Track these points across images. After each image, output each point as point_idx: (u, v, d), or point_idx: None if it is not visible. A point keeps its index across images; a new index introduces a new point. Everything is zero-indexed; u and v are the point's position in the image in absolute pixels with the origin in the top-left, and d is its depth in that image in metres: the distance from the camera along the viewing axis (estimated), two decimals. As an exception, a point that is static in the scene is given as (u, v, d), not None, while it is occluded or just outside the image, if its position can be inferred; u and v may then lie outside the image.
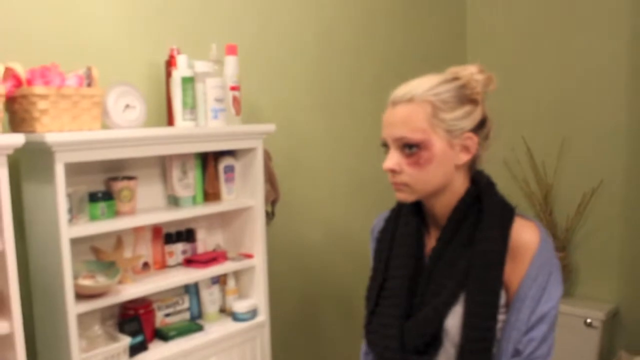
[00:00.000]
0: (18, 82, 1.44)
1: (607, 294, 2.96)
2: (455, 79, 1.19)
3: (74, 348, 1.48)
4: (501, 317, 1.14)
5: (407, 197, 1.18)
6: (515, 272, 1.15)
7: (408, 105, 1.16)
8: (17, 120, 1.49)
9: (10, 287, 1.37)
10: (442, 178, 1.16)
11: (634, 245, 2.63)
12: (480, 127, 1.19)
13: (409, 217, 1.26)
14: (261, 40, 2.18)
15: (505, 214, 1.19)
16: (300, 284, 2.41)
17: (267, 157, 2.17)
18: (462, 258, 1.16)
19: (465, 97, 1.17)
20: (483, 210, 1.18)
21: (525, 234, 1.16)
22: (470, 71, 1.19)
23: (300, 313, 2.42)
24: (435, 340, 1.15)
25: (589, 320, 2.85)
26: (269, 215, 2.23)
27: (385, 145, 1.19)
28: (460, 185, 1.19)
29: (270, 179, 2.18)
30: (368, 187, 2.62)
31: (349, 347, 2.48)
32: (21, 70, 1.45)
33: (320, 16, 2.40)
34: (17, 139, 1.33)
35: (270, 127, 1.90)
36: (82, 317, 1.53)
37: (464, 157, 1.17)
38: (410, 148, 1.15)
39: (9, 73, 1.44)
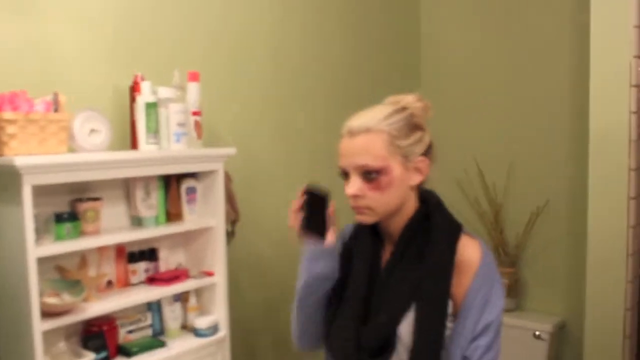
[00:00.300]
0: (-13, 108, 1.51)
1: (554, 308, 3.08)
2: (404, 108, 1.29)
3: (39, 364, 1.54)
4: (449, 324, 1.25)
5: (369, 219, 1.28)
6: (460, 285, 1.25)
7: (367, 135, 1.25)
8: (-15, 144, 1.55)
9: (-22, 305, 1.43)
10: (399, 199, 1.27)
11: (578, 261, 2.78)
12: (429, 150, 1.30)
13: (366, 234, 1.36)
14: (221, 67, 2.27)
15: (452, 230, 1.30)
16: (260, 296, 2.49)
17: (228, 178, 2.25)
18: (413, 271, 1.26)
19: (414, 124, 1.28)
20: (432, 228, 1.29)
21: (469, 250, 1.28)
22: (408, 100, 1.30)
23: (263, 324, 2.50)
24: (388, 344, 1.25)
25: (537, 333, 2.96)
26: (229, 234, 2.30)
27: (345, 174, 1.28)
28: (411, 204, 1.31)
29: (230, 200, 2.25)
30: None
31: (309, 354, 2.56)
32: (-10, 97, 1.52)
33: (273, 43, 2.51)
34: (-13, 163, 1.40)
35: (231, 151, 1.98)
36: (47, 334, 1.58)
37: (417, 179, 1.28)
38: (371, 174, 1.24)
39: (-21, 99, 1.50)
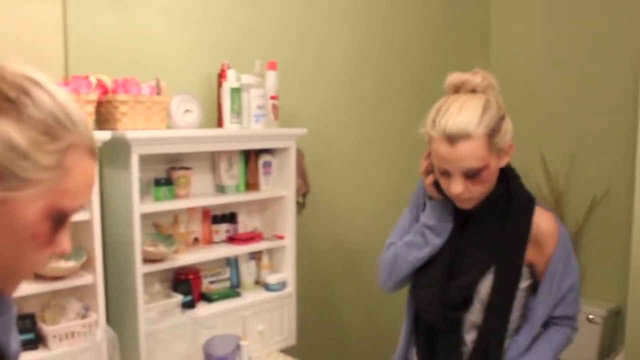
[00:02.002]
0: (105, 91, 1.86)
1: (610, 294, 3.19)
2: (491, 101, 1.39)
3: (140, 300, 1.88)
4: (524, 284, 1.50)
5: (470, 205, 1.46)
6: (541, 253, 1.47)
7: (468, 142, 1.33)
8: (103, 120, 1.90)
9: (95, 249, 1.78)
10: (493, 182, 1.43)
11: (635, 248, 2.86)
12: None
13: (456, 213, 1.52)
14: (298, 56, 2.56)
15: (529, 203, 1.50)
16: (325, 259, 2.78)
17: (300, 155, 2.55)
18: (493, 238, 1.47)
19: (501, 116, 1.40)
20: (512, 200, 1.48)
21: (545, 222, 1.48)
22: (476, 82, 1.41)
23: (326, 283, 2.79)
24: (468, 300, 1.50)
25: (591, 317, 3.10)
26: (300, 205, 2.60)
27: (446, 173, 1.40)
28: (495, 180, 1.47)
29: (302, 175, 2.55)
30: (387, 186, 2.96)
31: (360, 317, 2.84)
32: (108, 82, 1.86)
33: (350, 31, 2.76)
34: (105, 135, 1.75)
35: (302, 131, 2.27)
36: (146, 277, 1.91)
37: (505, 161, 1.44)
38: (475, 173, 1.37)
39: (99, 83, 1.85)
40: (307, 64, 2.61)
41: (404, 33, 3.03)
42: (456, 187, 1.39)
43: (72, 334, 1.76)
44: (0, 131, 0.67)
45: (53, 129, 0.71)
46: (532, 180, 3.35)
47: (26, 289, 1.69)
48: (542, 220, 1.48)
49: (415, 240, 1.56)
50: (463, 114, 1.35)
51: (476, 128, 1.34)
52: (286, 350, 2.30)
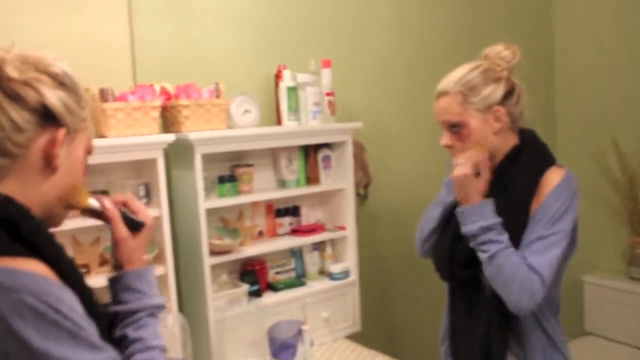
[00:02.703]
0: (169, 97, 2.01)
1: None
2: (479, 65, 1.54)
3: (209, 289, 2.01)
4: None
5: None
6: (537, 202, 1.50)
7: (445, 98, 1.55)
8: (167, 124, 2.05)
9: (165, 243, 1.93)
10: (488, 143, 1.53)
11: None
12: (508, 97, 1.54)
13: None
14: (352, 52, 2.63)
15: (540, 165, 1.54)
16: (386, 251, 2.84)
17: (361, 148, 2.62)
18: (498, 199, 1.52)
19: (489, 78, 1.53)
20: (519, 161, 1.55)
21: (551, 176, 1.52)
22: (496, 50, 1.57)
23: (385, 275, 2.85)
24: (476, 259, 1.53)
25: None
26: (363, 197, 2.68)
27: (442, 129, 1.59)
28: (506, 144, 1.56)
29: (362, 167, 2.62)
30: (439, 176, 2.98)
31: (421, 304, 2.89)
32: (171, 88, 2.01)
33: (402, 24, 2.82)
34: (170, 137, 1.90)
35: (357, 125, 2.34)
36: (213, 268, 2.05)
37: (497, 125, 1.53)
38: (454, 127, 1.54)
39: (163, 90, 2.00)
40: (361, 60, 2.68)
41: (459, 25, 3.04)
42: (443, 139, 1.58)
43: (148, 321, 1.92)
44: (60, 97, 0.91)
45: (79, 90, 0.97)
46: (604, 162, 3.28)
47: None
48: (550, 176, 1.52)
49: (433, 202, 1.74)
50: (449, 76, 1.57)
51: (453, 86, 1.53)
52: (351, 337, 2.39)
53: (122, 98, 1.86)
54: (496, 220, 1.48)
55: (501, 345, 1.54)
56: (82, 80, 0.99)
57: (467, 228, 1.50)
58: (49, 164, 0.91)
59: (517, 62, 1.56)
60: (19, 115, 0.87)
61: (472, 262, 1.55)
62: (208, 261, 2.02)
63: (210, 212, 2.07)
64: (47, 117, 0.90)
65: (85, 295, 0.91)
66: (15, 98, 0.87)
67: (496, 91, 1.52)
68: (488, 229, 1.47)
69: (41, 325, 0.78)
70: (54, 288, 0.82)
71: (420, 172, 2.91)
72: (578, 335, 3.33)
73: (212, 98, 2.03)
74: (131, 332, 1.02)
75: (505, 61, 1.55)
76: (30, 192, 0.91)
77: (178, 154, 2.04)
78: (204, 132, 1.98)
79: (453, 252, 1.60)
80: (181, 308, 2.06)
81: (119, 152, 1.84)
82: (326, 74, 2.32)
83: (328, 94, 2.32)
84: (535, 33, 3.42)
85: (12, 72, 0.87)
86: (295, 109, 2.24)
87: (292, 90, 2.23)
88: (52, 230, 0.95)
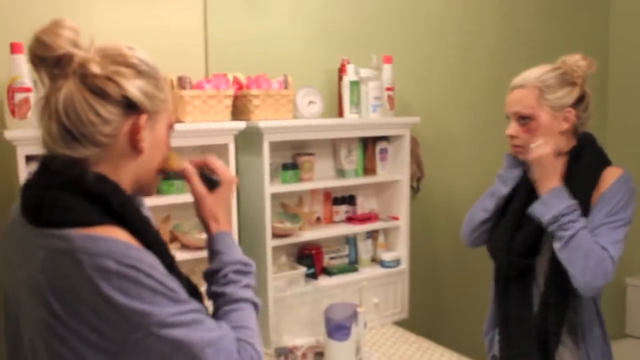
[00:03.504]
0: (240, 86, 2.13)
1: None
2: (558, 68, 1.67)
3: (269, 270, 2.14)
4: None
5: (522, 156, 1.70)
6: (597, 195, 1.61)
7: (522, 90, 1.67)
8: (238, 112, 2.17)
9: (233, 223, 2.07)
10: (555, 141, 1.64)
11: None
12: (579, 102, 1.66)
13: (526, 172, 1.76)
14: (412, 49, 2.73)
15: (597, 166, 1.66)
16: (435, 243, 2.94)
17: (415, 143, 2.71)
18: None
19: (566, 81, 1.66)
20: (580, 161, 1.66)
21: (610, 173, 1.63)
22: (574, 58, 1.67)
23: (434, 265, 2.96)
24: (534, 248, 1.68)
25: None
26: (415, 189, 2.77)
27: (508, 118, 1.71)
28: (565, 145, 1.68)
29: (416, 161, 2.71)
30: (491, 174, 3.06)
31: (467, 295, 2.97)
32: (242, 78, 2.14)
33: (462, 26, 2.90)
34: (241, 125, 2.02)
35: (415, 119, 2.43)
36: (274, 250, 2.16)
37: (565, 125, 1.65)
38: (524, 119, 1.66)
39: (235, 80, 2.13)
40: (421, 57, 2.77)
41: (517, 22, 3.10)
42: (509, 128, 1.70)
43: (213, 295, 2.05)
44: (138, 85, 0.99)
45: (155, 74, 1.04)
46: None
47: (176, 256, 1.99)
48: (608, 174, 1.62)
49: (488, 191, 1.84)
50: (528, 71, 1.68)
51: (531, 81, 1.65)
52: (399, 323, 2.49)
53: (199, 86, 1.99)
54: (576, 202, 1.59)
55: (557, 332, 1.64)
56: (163, 70, 1.08)
57: (554, 208, 1.58)
58: (134, 147, 1.01)
59: (591, 73, 1.67)
60: (105, 110, 0.96)
61: (530, 252, 1.67)
62: (270, 243, 2.14)
63: (272, 197, 2.17)
64: (130, 106, 0.98)
65: (168, 260, 1.01)
66: (100, 94, 0.95)
67: (571, 94, 1.64)
68: (573, 209, 1.57)
69: (123, 284, 0.88)
70: (134, 251, 0.92)
71: (474, 170, 2.99)
72: (618, 337, 3.36)
73: (280, 89, 2.14)
74: (216, 288, 1.12)
75: (582, 70, 1.66)
76: (121, 172, 1.02)
77: (247, 141, 2.16)
78: (273, 121, 2.09)
79: (511, 242, 1.69)
80: (244, 285, 2.19)
81: (194, 136, 1.97)
82: (387, 69, 2.41)
83: (388, 89, 2.42)
84: (590, 39, 3.44)
85: (95, 68, 0.95)
86: (356, 102, 2.34)
87: (355, 84, 2.33)
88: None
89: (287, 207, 2.34)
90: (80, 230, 0.91)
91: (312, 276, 2.32)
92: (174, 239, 2.09)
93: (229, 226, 1.20)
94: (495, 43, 3.02)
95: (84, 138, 0.95)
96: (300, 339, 2.14)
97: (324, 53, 2.46)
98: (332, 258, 2.47)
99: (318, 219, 2.45)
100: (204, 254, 2.01)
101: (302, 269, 2.27)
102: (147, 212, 1.18)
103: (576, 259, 1.54)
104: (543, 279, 1.69)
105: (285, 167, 2.26)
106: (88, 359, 0.90)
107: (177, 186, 2.01)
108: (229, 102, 2.04)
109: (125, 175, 1.03)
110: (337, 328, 2.01)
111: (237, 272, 1.12)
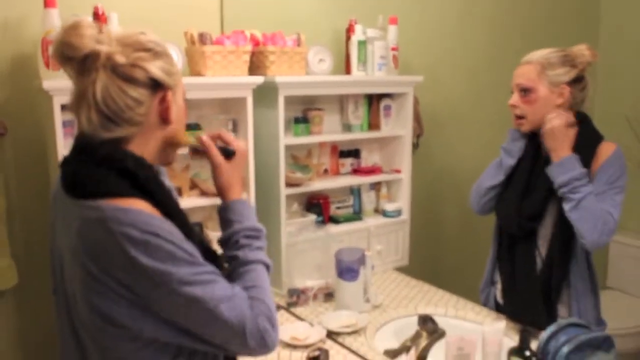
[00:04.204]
0: (257, 43, 2.24)
1: None
2: (563, 50, 1.86)
3: (283, 216, 2.28)
4: None
5: (524, 127, 1.90)
6: (595, 167, 1.81)
7: (527, 65, 1.87)
8: (254, 67, 2.28)
9: (249, 173, 2.20)
10: (545, 114, 1.84)
11: None
12: (576, 82, 1.84)
13: (530, 140, 1.94)
14: (417, 10, 2.86)
15: (593, 140, 1.85)
16: (433, 194, 3.12)
17: (416, 101, 2.84)
18: None
19: (567, 62, 1.85)
20: (578, 135, 1.84)
21: (606, 148, 1.83)
22: (581, 47, 1.86)
23: (432, 215, 3.14)
24: (540, 213, 1.88)
25: None
26: (415, 145, 2.92)
27: (512, 92, 1.90)
28: None
29: (417, 118, 2.85)
30: (491, 135, 3.19)
31: (463, 243, 3.16)
32: (259, 35, 2.25)
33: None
34: (259, 79, 2.15)
35: (418, 78, 2.57)
36: (287, 198, 2.30)
37: (559, 100, 1.84)
38: (524, 91, 1.85)
39: (252, 37, 2.24)
40: (425, 19, 2.91)
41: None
42: (511, 99, 1.89)
43: (232, 239, 2.20)
44: (159, 66, 1.10)
45: (167, 53, 1.14)
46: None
47: (194, 201, 2.14)
48: (603, 148, 1.82)
49: (494, 162, 2.02)
50: (537, 51, 1.87)
51: (536, 59, 1.85)
52: (399, 269, 2.66)
53: (219, 42, 2.11)
54: (586, 170, 1.78)
55: (558, 286, 1.88)
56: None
57: (568, 172, 1.77)
58: (165, 120, 1.14)
59: (592, 62, 1.85)
60: (137, 92, 1.07)
61: (536, 216, 1.87)
62: (283, 191, 2.28)
63: (285, 148, 2.31)
64: (155, 85, 1.10)
65: (186, 228, 1.14)
66: (130, 79, 1.07)
67: (568, 74, 1.83)
68: (583, 175, 1.77)
69: (146, 248, 1.01)
70: (156, 220, 1.05)
71: (470, 131, 3.16)
72: (601, 289, 3.57)
73: (294, 46, 2.26)
74: (229, 253, 1.22)
75: (585, 57, 1.84)
76: (149, 145, 1.15)
77: (262, 95, 2.28)
78: (288, 77, 2.22)
79: (519, 206, 1.89)
80: (259, 230, 2.34)
81: (215, 89, 2.10)
82: (392, 30, 2.54)
83: (393, 49, 2.55)
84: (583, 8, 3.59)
85: (120, 59, 1.05)
86: (363, 61, 2.47)
87: (362, 44, 2.45)
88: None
89: (297, 158, 2.48)
90: (110, 201, 1.04)
91: (321, 223, 2.48)
92: (193, 186, 2.22)
93: (242, 194, 1.30)
94: (493, 11, 3.17)
95: (124, 121, 1.08)
96: (311, 281, 2.31)
97: (333, 13, 2.58)
98: (338, 207, 2.63)
99: (325, 170, 2.60)
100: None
101: (313, 216, 2.43)
102: (168, 183, 1.31)
103: (586, 219, 1.74)
104: (544, 241, 1.90)
105: (297, 120, 2.39)
106: (122, 310, 1.05)
107: (195, 136, 2.14)
108: (247, 57, 2.16)
109: (152, 146, 1.15)
110: (347, 270, 2.18)
111: (247, 236, 1.21)
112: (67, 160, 1.14)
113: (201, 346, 1.11)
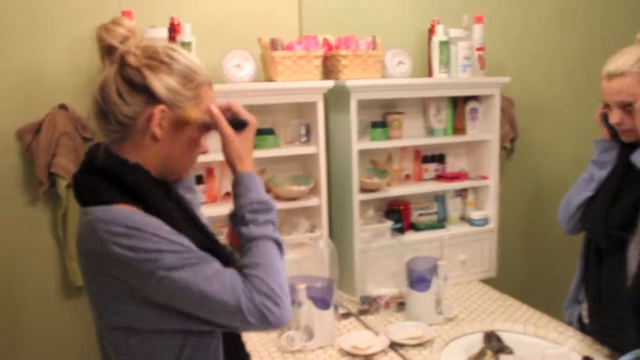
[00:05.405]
0: (329, 47, 2.23)
1: None
2: None
3: (356, 222, 2.25)
4: None
5: (631, 139, 1.72)
6: None
7: (623, 78, 1.65)
8: (327, 72, 2.27)
9: (321, 177, 2.19)
10: None
11: None
12: None
13: (619, 147, 1.79)
14: (504, 9, 2.71)
15: None
16: (526, 204, 2.94)
17: (510, 103, 2.70)
18: None
19: None
20: None
21: None
22: None
23: (526, 224, 2.95)
24: (631, 222, 1.69)
25: None
26: (509, 150, 2.77)
27: (608, 106, 1.73)
28: None
29: (510, 121, 2.70)
30: (593, 135, 2.96)
31: (554, 258, 2.94)
32: (332, 39, 2.24)
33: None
34: (329, 84, 2.13)
35: (505, 79, 2.43)
36: (362, 204, 2.27)
37: None
38: (628, 106, 1.66)
39: (325, 41, 2.23)
40: (513, 17, 2.75)
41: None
42: (613, 117, 1.70)
43: (301, 244, 2.21)
44: (165, 81, 1.12)
45: (189, 75, 1.15)
46: None
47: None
48: None
49: (583, 178, 1.85)
50: (622, 57, 1.66)
51: (630, 68, 1.63)
52: (485, 281, 2.53)
53: (289, 47, 2.12)
54: None
55: None
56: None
57: None
58: (151, 134, 1.14)
59: None
60: (129, 95, 1.11)
61: (626, 225, 1.70)
62: (357, 197, 2.25)
63: (362, 153, 2.28)
64: (152, 97, 1.12)
65: (178, 227, 1.13)
66: (128, 81, 1.11)
67: None
68: None
69: (130, 242, 1.04)
70: (138, 216, 1.07)
71: (567, 134, 2.93)
72: None
73: (368, 49, 2.22)
74: (236, 230, 1.20)
75: None
76: (144, 154, 1.16)
77: (336, 99, 2.27)
78: (360, 80, 2.19)
79: (607, 216, 1.73)
80: (331, 235, 2.32)
81: (285, 94, 2.11)
82: (478, 29, 2.42)
83: (478, 49, 2.43)
84: None
85: (131, 59, 1.11)
86: (446, 62, 2.37)
87: (444, 44, 2.36)
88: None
89: (376, 163, 2.44)
90: (100, 206, 1.09)
91: (399, 230, 2.41)
92: (268, 190, 2.25)
93: (251, 167, 1.25)
94: (592, 4, 2.92)
95: (109, 114, 1.13)
96: (384, 289, 2.26)
97: (416, 15, 2.51)
98: (420, 215, 2.55)
99: (407, 176, 2.53)
100: (294, 204, 2.20)
101: (388, 223, 2.37)
102: (184, 192, 1.32)
103: None
104: (635, 255, 1.70)
105: (375, 125, 2.35)
106: (124, 304, 1.09)
107: (270, 141, 2.17)
108: (319, 62, 2.16)
109: (149, 157, 1.17)
110: (418, 280, 2.11)
111: (253, 211, 1.17)
112: (76, 170, 1.21)
113: (206, 327, 1.11)
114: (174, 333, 1.12)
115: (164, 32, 1.97)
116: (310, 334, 1.92)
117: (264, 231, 1.16)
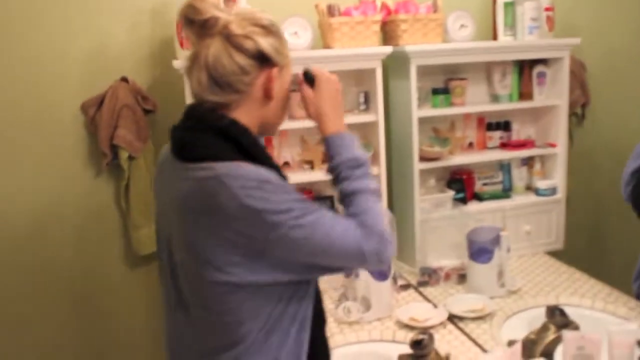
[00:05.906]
0: (388, 12, 2.16)
1: None
2: None
3: (416, 192, 2.20)
4: None
5: None
6: None
7: None
8: (387, 37, 2.21)
9: (380, 145, 2.15)
10: None
11: None
12: None
13: None
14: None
15: None
16: (597, 173, 2.80)
17: (582, 67, 2.56)
18: None
19: None
20: None
21: None
22: None
23: (592, 196, 2.82)
24: None
25: None
26: (579, 117, 2.63)
27: None
28: None
29: (582, 86, 2.57)
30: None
31: (626, 232, 2.79)
32: (391, 4, 2.17)
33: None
34: (387, 49, 2.07)
35: (575, 41, 2.29)
36: (422, 173, 2.23)
37: None
38: None
39: (383, 6, 2.17)
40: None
41: None
42: None
43: (361, 213, 2.18)
44: (271, 43, 1.17)
45: (282, 35, 1.21)
46: None
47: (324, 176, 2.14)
48: None
49: (637, 146, 1.76)
50: None
51: None
52: (552, 253, 2.43)
53: (347, 13, 2.07)
54: None
55: None
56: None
57: None
58: (267, 95, 1.19)
59: None
60: (245, 62, 1.14)
61: None
62: (417, 166, 2.20)
63: (423, 120, 2.22)
64: (263, 60, 1.16)
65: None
66: (241, 49, 1.14)
67: None
68: None
69: (260, 194, 1.06)
70: (264, 172, 1.10)
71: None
72: None
73: (429, 13, 2.14)
74: (335, 189, 1.24)
75: None
76: (252, 116, 1.21)
77: (395, 66, 2.21)
78: (419, 45, 2.11)
79: None
80: (391, 205, 2.29)
81: (343, 61, 2.06)
82: (546, -12, 2.29)
83: (547, 9, 2.30)
84: None
85: (236, 29, 1.13)
86: (511, 24, 2.27)
87: (509, 6, 2.25)
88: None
89: (438, 131, 2.37)
90: (219, 162, 1.12)
91: (462, 200, 2.35)
92: (325, 159, 2.23)
93: (339, 124, 1.28)
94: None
95: (228, 86, 1.15)
96: (444, 260, 2.21)
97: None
98: (485, 184, 2.47)
99: (470, 144, 2.45)
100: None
101: (450, 193, 2.31)
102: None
103: None
104: None
105: (436, 91, 2.28)
106: (236, 259, 1.10)
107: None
108: (377, 27, 2.10)
109: (255, 118, 1.21)
110: (480, 251, 2.05)
111: (348, 167, 1.22)
112: (176, 127, 1.23)
113: (319, 274, 1.19)
114: (276, 286, 1.15)
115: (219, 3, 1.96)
116: (367, 305, 1.90)
117: (361, 185, 1.20)
